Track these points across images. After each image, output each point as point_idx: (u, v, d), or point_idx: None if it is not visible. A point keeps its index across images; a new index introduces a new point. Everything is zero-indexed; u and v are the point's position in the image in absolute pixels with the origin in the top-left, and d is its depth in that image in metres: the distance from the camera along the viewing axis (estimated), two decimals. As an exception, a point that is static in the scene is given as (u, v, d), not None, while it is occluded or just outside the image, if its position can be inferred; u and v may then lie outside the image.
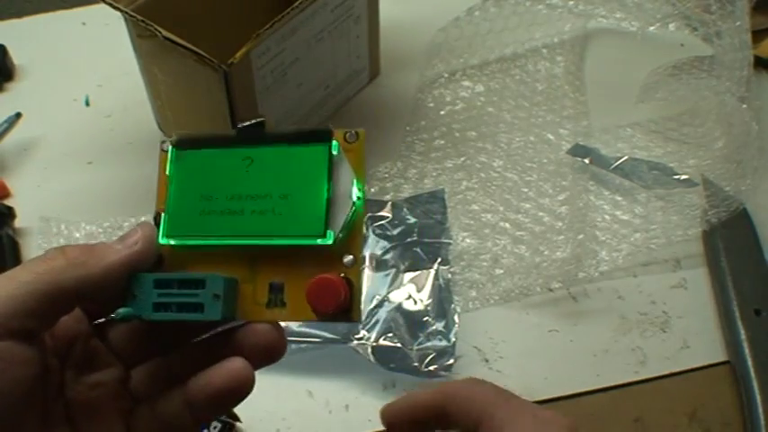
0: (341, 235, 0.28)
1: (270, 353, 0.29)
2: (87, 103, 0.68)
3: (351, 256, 0.29)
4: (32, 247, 0.58)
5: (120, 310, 0.28)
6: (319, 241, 0.28)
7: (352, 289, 0.28)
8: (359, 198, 0.29)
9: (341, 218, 0.28)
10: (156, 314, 0.28)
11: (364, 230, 0.30)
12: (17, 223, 0.59)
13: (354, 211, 0.29)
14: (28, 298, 0.26)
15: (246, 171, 0.30)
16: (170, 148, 0.31)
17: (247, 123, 0.30)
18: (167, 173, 0.30)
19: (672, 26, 0.67)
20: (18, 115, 0.65)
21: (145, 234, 0.29)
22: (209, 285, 0.28)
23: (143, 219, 0.59)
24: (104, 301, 0.29)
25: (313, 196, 0.29)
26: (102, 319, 0.30)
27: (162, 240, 0.30)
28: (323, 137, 0.29)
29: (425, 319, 0.52)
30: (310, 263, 0.29)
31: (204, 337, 0.31)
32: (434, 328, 0.52)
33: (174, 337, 0.31)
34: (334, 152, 0.29)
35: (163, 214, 0.30)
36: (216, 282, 0.28)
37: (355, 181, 0.29)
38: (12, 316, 0.26)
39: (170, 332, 0.31)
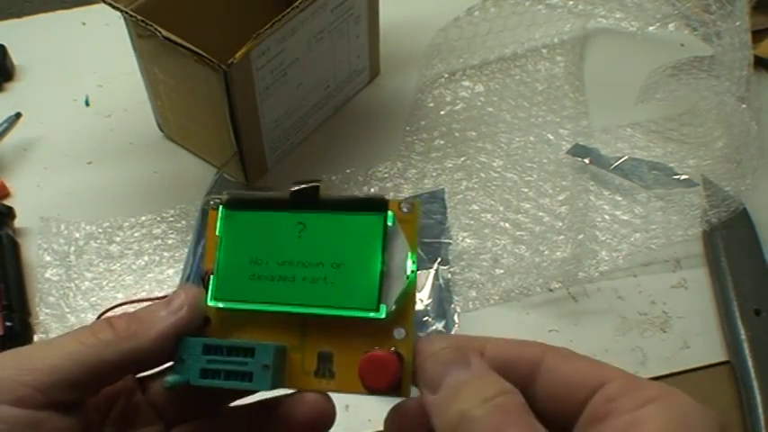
0: (393, 308, 0.28)
1: (318, 425, 0.28)
2: (87, 103, 0.68)
3: (402, 330, 0.28)
4: (32, 247, 0.58)
5: (169, 379, 0.28)
6: (372, 315, 0.28)
7: (402, 363, 0.28)
8: (413, 272, 0.29)
9: (394, 292, 0.28)
10: (203, 380, 0.28)
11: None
12: (17, 223, 0.59)
13: (408, 284, 0.28)
14: (73, 369, 0.26)
15: (299, 236, 0.29)
16: (220, 207, 0.30)
17: (301, 187, 0.30)
18: (218, 233, 0.30)
19: (671, 26, 0.67)
20: (18, 115, 0.65)
21: (189, 298, 0.29)
22: (258, 355, 0.28)
23: (143, 218, 0.59)
24: (151, 366, 0.29)
25: (367, 268, 0.28)
26: (148, 372, 0.30)
27: (210, 303, 0.30)
28: (378, 206, 0.29)
29: (425, 318, 0.52)
30: (361, 334, 0.28)
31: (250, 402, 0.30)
32: (434, 328, 0.52)
33: (217, 400, 0.30)
34: (389, 223, 0.29)
35: (212, 276, 0.30)
36: (266, 351, 0.28)
37: (410, 254, 0.29)
38: (55, 386, 0.26)
39: (214, 394, 0.30)
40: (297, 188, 0.30)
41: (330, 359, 0.29)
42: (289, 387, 0.29)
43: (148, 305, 0.29)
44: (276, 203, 0.30)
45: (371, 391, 0.28)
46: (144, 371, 0.30)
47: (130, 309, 0.49)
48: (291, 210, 0.30)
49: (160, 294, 0.56)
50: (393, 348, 0.28)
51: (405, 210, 0.29)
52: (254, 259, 0.29)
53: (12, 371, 0.26)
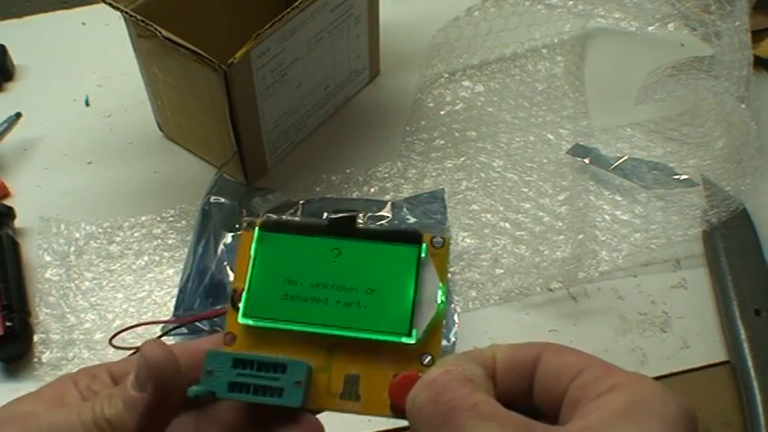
0: (423, 335, 0.29)
1: None
2: (87, 103, 0.68)
3: (429, 356, 0.29)
4: (32, 247, 0.58)
5: (194, 389, 0.28)
6: (404, 339, 0.29)
7: None
8: (442, 302, 0.30)
9: (425, 319, 0.29)
10: (230, 393, 0.29)
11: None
12: (17, 223, 0.59)
13: (437, 313, 0.30)
14: None
15: (334, 261, 0.30)
16: (255, 228, 0.31)
17: (340, 215, 0.31)
18: (251, 253, 0.31)
19: (671, 26, 0.67)
20: (18, 115, 0.65)
21: (151, 369, 0.28)
22: (290, 371, 0.29)
23: (143, 218, 0.59)
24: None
25: (400, 295, 0.30)
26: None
27: (241, 320, 0.30)
28: (413, 239, 0.30)
29: (425, 318, 0.52)
30: (388, 358, 0.29)
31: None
32: (434, 328, 0.52)
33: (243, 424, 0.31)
34: (423, 255, 0.30)
35: (243, 293, 0.30)
36: (298, 368, 0.29)
37: (440, 285, 0.30)
38: None
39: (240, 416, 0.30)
40: (336, 216, 0.31)
41: (356, 382, 0.30)
42: (313, 407, 0.30)
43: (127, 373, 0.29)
44: (312, 228, 0.31)
45: (398, 411, 0.29)
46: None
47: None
48: (328, 236, 0.31)
49: (161, 292, 0.56)
50: (420, 374, 0.29)
51: (436, 244, 0.31)
52: (288, 279, 0.30)
53: None
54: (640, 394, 0.25)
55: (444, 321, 0.51)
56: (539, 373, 0.27)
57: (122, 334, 0.50)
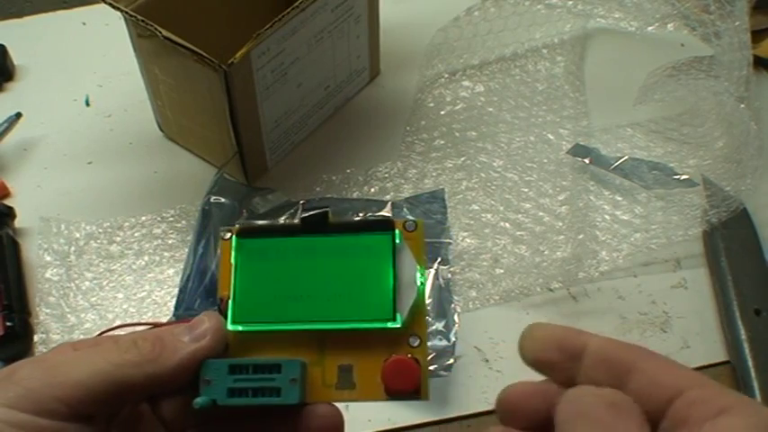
0: (407, 318, 0.30)
1: None
2: (87, 103, 0.68)
3: (417, 338, 0.30)
4: (32, 247, 0.58)
5: (198, 400, 0.29)
6: (389, 324, 0.30)
7: (420, 368, 0.30)
8: (422, 283, 0.30)
9: (407, 302, 0.30)
10: (231, 399, 0.29)
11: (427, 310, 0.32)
12: (17, 223, 0.59)
13: (419, 295, 0.30)
14: (99, 387, 0.27)
15: (312, 258, 0.31)
16: (233, 237, 0.32)
17: (311, 213, 0.31)
18: (232, 261, 0.31)
19: (671, 26, 0.67)
20: (18, 115, 0.65)
21: (213, 326, 0.30)
22: (285, 370, 0.29)
23: (143, 218, 0.59)
24: (169, 390, 0.30)
25: (380, 282, 0.30)
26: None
27: (230, 326, 0.31)
28: (385, 226, 0.31)
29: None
30: (378, 345, 0.30)
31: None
32: (434, 328, 0.52)
33: (229, 414, 0.31)
34: (397, 241, 0.31)
35: (230, 301, 0.31)
36: (292, 366, 0.29)
37: (417, 267, 0.30)
38: (79, 401, 0.27)
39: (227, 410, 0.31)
40: (307, 215, 0.31)
41: (350, 371, 0.30)
42: (311, 401, 0.30)
43: (171, 327, 0.30)
44: (287, 230, 0.32)
45: (394, 395, 0.29)
46: (163, 393, 0.30)
47: (122, 331, 0.50)
48: (302, 235, 0.31)
49: (161, 292, 0.56)
50: (410, 355, 0.30)
51: (409, 228, 0.31)
52: (270, 282, 0.31)
53: (40, 383, 0.27)
54: (754, 420, 0.24)
55: (445, 321, 0.51)
56: (635, 378, 0.27)
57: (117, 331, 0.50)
